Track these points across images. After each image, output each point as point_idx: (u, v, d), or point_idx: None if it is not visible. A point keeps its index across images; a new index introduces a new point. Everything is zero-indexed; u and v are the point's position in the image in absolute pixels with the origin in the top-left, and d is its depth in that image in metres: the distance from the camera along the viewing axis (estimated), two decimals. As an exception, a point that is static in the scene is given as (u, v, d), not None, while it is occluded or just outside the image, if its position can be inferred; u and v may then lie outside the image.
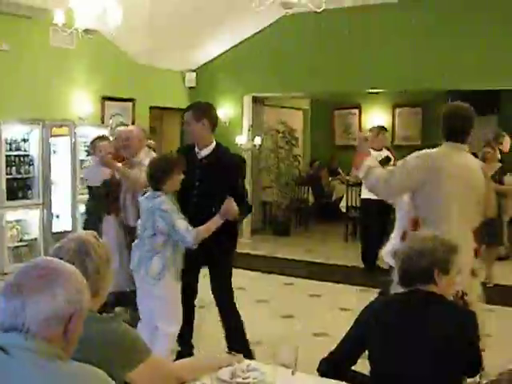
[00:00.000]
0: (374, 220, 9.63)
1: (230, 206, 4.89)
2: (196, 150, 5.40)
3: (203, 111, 5.36)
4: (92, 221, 7.06)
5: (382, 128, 10.05)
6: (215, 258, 5.36)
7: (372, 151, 9.29)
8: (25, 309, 1.89)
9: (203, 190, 5.25)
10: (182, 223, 4.82)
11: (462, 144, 4.43)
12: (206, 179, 5.29)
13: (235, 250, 5.58)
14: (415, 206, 4.46)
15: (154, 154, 6.89)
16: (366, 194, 9.45)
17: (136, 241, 5.17)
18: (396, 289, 3.43)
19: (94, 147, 7.26)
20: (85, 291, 2.02)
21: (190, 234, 4.80)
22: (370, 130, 10.11)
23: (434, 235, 3.23)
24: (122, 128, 7.63)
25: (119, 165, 6.69)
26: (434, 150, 4.49)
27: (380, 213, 9.34)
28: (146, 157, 6.55)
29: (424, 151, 4.50)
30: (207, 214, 4.96)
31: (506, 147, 9.26)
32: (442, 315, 3.06)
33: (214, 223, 4.93)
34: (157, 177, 4.96)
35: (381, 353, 3.11)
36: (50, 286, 1.92)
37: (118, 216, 6.87)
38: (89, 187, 7.42)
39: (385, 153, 9.27)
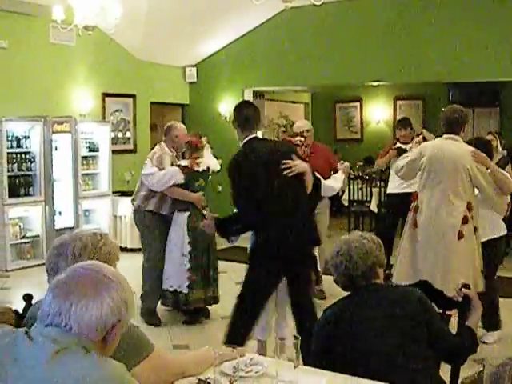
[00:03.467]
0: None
1: None
2: None
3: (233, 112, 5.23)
4: None
5: (400, 121, 9.51)
6: None
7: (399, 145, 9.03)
8: (70, 311, 1.92)
9: None
10: None
11: (454, 135, 5.71)
12: None
13: None
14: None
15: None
16: (391, 188, 9.20)
17: None
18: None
19: None
20: (130, 303, 2.05)
21: None
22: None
23: (360, 235, 3.38)
24: None
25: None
26: (431, 141, 6.39)
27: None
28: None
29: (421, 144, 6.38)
30: None
31: None
32: (398, 297, 3.25)
33: None
34: None
35: (352, 351, 3.16)
36: (100, 293, 1.96)
37: None
38: None
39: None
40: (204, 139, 6.98)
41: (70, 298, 1.93)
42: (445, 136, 5.78)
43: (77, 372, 1.85)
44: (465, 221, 5.58)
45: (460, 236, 5.57)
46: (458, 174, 5.58)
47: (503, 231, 6.29)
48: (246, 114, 5.00)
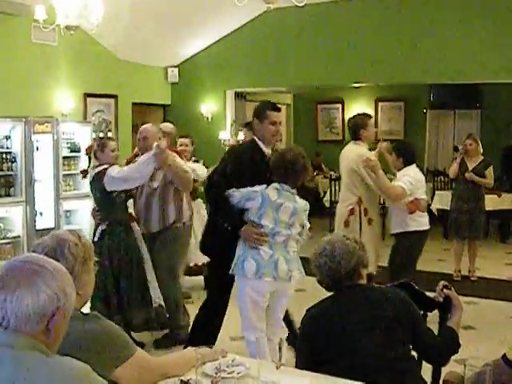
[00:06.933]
0: None
1: None
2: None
3: None
4: None
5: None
6: None
7: None
8: (6, 304, 1.90)
9: None
10: None
11: (354, 140, 6.85)
12: None
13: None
14: None
15: None
16: None
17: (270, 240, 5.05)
18: None
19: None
20: (70, 288, 2.02)
21: None
22: None
23: (343, 235, 3.42)
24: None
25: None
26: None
27: None
28: None
29: None
30: None
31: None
32: (381, 298, 3.27)
33: None
34: None
35: (336, 352, 3.16)
36: (34, 282, 1.92)
37: None
38: None
39: None
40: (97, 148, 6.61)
41: (5, 291, 1.90)
42: (351, 142, 6.96)
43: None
44: (352, 212, 6.66)
45: (346, 225, 6.67)
46: (350, 174, 6.71)
47: (412, 227, 6.59)
48: None
